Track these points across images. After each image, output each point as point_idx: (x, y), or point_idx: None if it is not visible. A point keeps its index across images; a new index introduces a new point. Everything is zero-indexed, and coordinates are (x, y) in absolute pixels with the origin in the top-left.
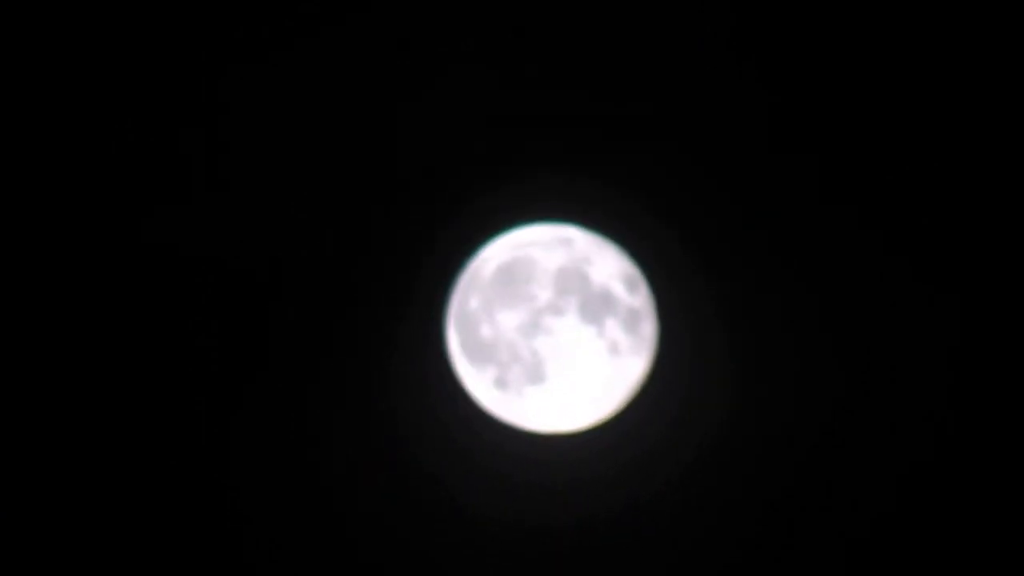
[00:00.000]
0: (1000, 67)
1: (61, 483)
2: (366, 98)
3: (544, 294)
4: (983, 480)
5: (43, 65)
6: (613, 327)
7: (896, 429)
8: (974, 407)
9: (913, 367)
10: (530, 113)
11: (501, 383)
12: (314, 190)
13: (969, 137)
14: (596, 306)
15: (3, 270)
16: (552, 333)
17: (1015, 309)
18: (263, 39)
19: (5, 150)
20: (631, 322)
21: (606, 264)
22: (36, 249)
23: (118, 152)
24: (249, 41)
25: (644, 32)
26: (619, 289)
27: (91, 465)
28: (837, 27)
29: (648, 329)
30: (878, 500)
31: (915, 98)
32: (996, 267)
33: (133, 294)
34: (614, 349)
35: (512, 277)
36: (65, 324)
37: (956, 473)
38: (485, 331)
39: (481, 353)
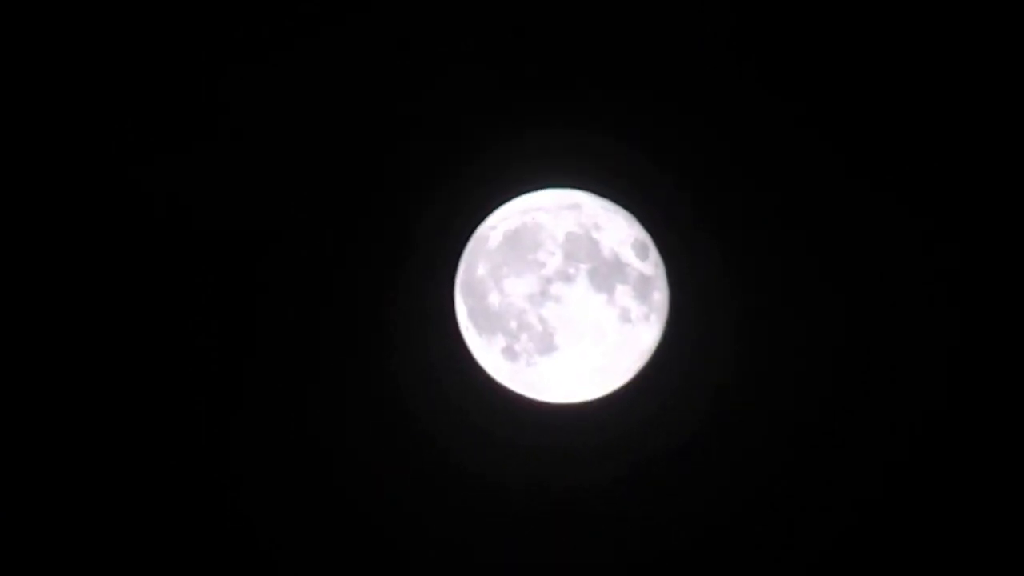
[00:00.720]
0: (998, 66)
1: (62, 476)
2: (366, 98)
3: (553, 261)
4: (984, 460)
5: (45, 65)
6: (624, 294)
7: (900, 399)
8: (981, 372)
9: (920, 333)
10: (534, 89)
11: (510, 353)
12: (316, 183)
13: (969, 134)
14: (606, 273)
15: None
16: (561, 301)
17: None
18: (263, 39)
19: (5, 151)
20: (642, 289)
21: (616, 229)
22: (40, 254)
23: (118, 153)
24: (249, 41)
25: (645, 28)
26: (629, 255)
27: (94, 467)
28: (838, 21)
29: (660, 296)
30: (880, 467)
31: (918, 93)
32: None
33: (137, 292)
34: (625, 317)
35: (519, 244)
36: (70, 327)
37: (957, 443)
38: (493, 299)
39: (489, 322)
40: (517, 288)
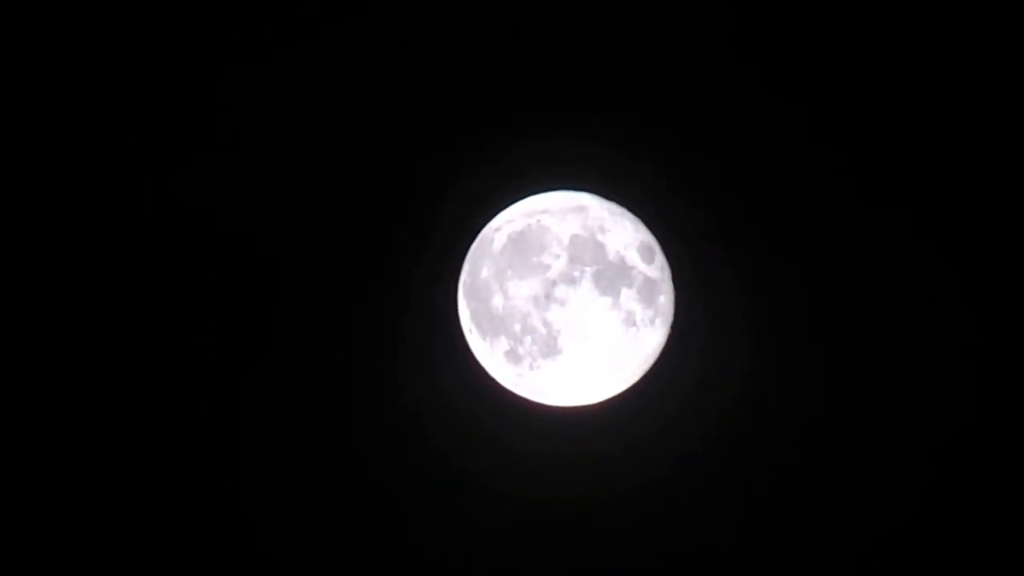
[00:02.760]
0: (999, 66)
1: (64, 474)
2: (366, 98)
3: (557, 264)
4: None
5: (45, 65)
6: (629, 297)
7: (913, 405)
8: (995, 383)
9: (931, 339)
10: (535, 89)
11: (513, 356)
12: (317, 183)
13: (971, 134)
14: (611, 276)
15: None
16: (566, 304)
17: None
18: (263, 39)
19: (5, 150)
20: (647, 292)
21: (622, 232)
22: (40, 255)
23: (118, 153)
24: (249, 41)
25: (646, 26)
26: (635, 258)
27: (96, 469)
28: (839, 21)
29: (665, 299)
30: (893, 475)
31: (919, 93)
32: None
33: (140, 291)
34: (630, 320)
35: (524, 246)
36: (74, 329)
37: (971, 454)
38: (497, 302)
39: (493, 325)
40: (521, 291)
